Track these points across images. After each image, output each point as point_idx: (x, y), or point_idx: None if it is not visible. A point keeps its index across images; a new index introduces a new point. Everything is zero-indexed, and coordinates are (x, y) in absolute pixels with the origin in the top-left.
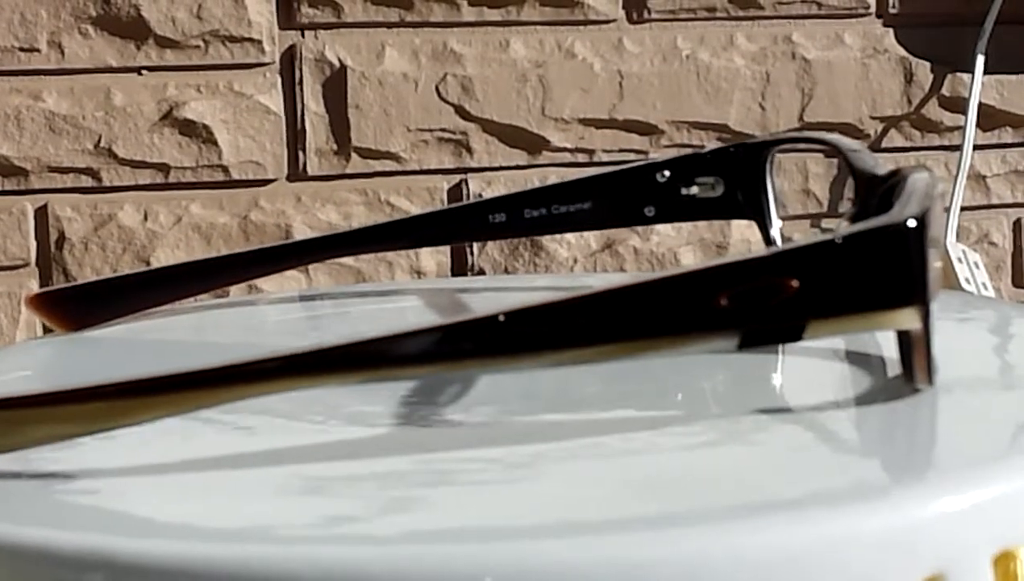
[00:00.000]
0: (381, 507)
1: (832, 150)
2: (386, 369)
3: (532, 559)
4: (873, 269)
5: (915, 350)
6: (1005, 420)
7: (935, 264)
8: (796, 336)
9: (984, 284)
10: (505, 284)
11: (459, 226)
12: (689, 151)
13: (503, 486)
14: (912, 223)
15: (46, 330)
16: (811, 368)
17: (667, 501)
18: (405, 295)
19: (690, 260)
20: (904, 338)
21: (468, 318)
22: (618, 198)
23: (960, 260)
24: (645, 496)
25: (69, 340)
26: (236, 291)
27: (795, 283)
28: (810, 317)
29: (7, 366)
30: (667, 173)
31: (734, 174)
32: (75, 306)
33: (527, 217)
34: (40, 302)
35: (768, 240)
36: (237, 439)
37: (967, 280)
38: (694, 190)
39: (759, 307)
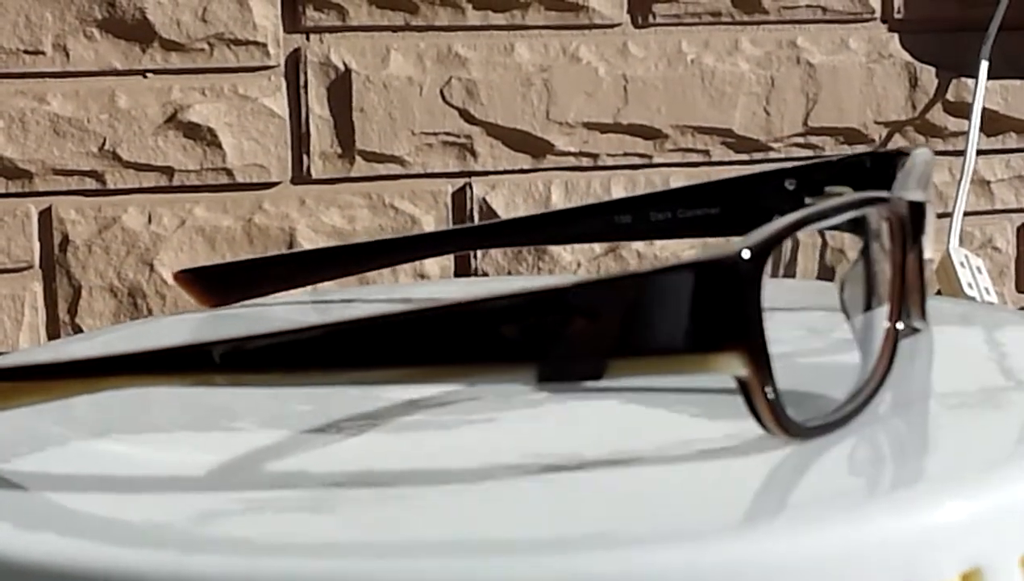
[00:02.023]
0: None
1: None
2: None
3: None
4: (685, 307)
5: (752, 397)
6: (1012, 423)
7: (764, 305)
8: (596, 375)
9: (987, 289)
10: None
11: (584, 226)
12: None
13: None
14: (738, 259)
15: (50, 336)
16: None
17: (665, 507)
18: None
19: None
20: (741, 383)
21: (240, 336)
22: (746, 204)
23: (963, 265)
24: (641, 502)
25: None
26: None
27: (592, 319)
28: (611, 356)
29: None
30: (794, 181)
31: (863, 184)
32: (217, 284)
33: (652, 220)
34: (185, 278)
35: None
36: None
37: (969, 285)
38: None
39: (556, 341)
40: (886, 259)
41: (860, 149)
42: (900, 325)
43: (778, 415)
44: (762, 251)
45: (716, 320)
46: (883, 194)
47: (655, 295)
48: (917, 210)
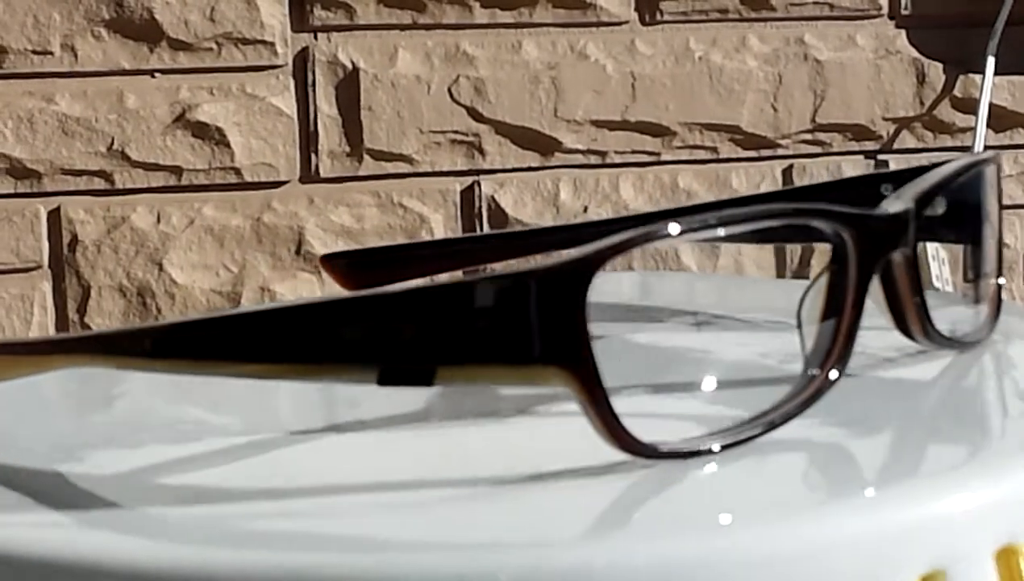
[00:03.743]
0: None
1: None
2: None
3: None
4: (508, 318)
5: (584, 412)
6: (992, 419)
7: (588, 321)
8: (428, 381)
9: (947, 280)
10: None
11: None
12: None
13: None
14: (559, 271)
15: (57, 334)
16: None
17: (656, 508)
18: None
19: (689, 259)
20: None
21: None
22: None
23: (933, 258)
24: (633, 503)
25: None
26: (251, 297)
27: (421, 325)
28: (441, 363)
29: None
30: (890, 186)
31: (957, 192)
32: (361, 268)
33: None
34: (329, 263)
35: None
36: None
37: (937, 277)
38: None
39: (390, 345)
40: (843, 287)
41: (867, 145)
42: (833, 374)
43: (615, 432)
44: (585, 265)
45: (537, 333)
46: (828, 207)
47: (480, 305)
48: (881, 225)
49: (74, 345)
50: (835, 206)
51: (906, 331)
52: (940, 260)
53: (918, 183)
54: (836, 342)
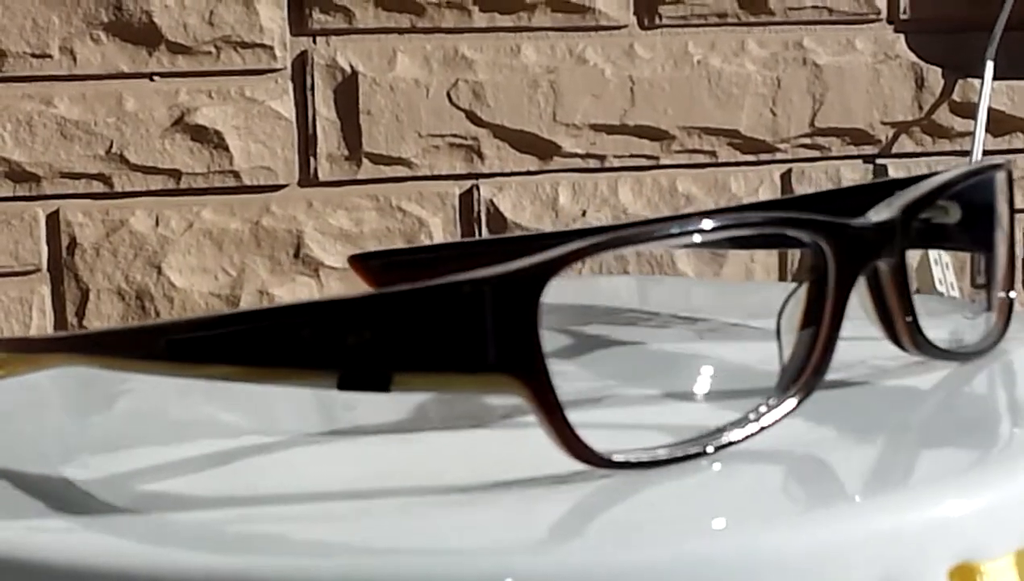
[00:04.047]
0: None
1: None
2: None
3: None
4: (459, 326)
5: (538, 421)
6: (966, 432)
7: (540, 331)
8: (384, 386)
9: (952, 284)
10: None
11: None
12: (705, 158)
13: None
14: (510, 280)
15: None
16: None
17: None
18: None
19: (685, 265)
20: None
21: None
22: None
23: (936, 262)
24: (624, 505)
25: None
26: (249, 300)
27: (376, 331)
28: (397, 369)
29: None
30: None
31: (970, 198)
32: (387, 269)
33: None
34: (356, 262)
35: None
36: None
37: (939, 281)
38: (929, 214)
39: (348, 350)
40: (822, 297)
41: (866, 150)
42: (793, 401)
43: (569, 441)
44: (537, 274)
45: (488, 341)
46: (802, 215)
47: (433, 312)
48: (862, 234)
49: (49, 344)
50: (812, 214)
51: (897, 342)
52: (943, 264)
53: (910, 191)
54: (813, 354)
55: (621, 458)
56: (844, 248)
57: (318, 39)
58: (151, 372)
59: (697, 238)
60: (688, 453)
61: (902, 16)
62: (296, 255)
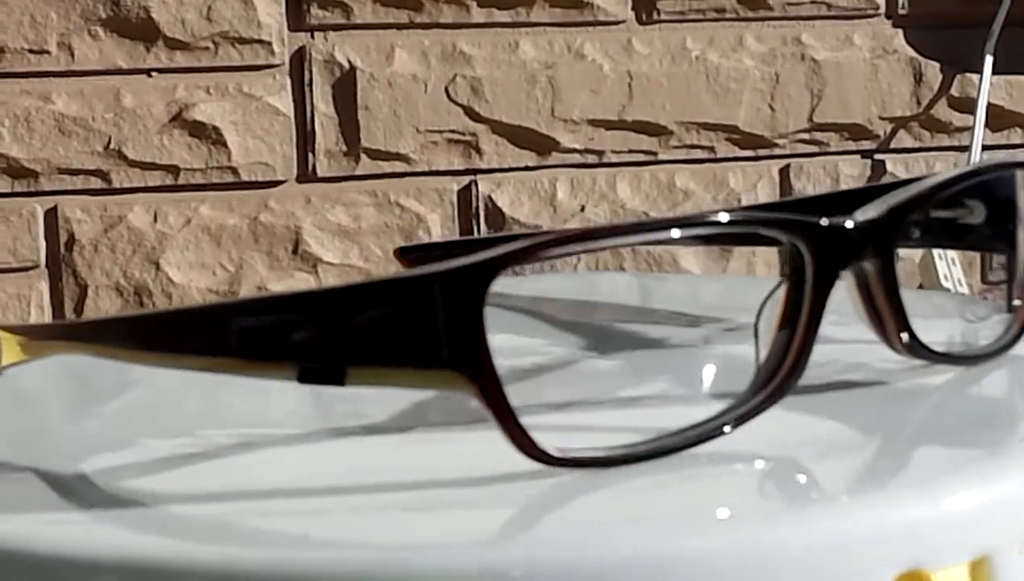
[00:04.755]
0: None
1: None
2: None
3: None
4: (407, 322)
5: (490, 418)
6: (966, 425)
7: (486, 329)
8: (339, 380)
9: (959, 281)
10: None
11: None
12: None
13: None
14: (454, 275)
15: None
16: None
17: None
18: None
19: (690, 262)
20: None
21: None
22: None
23: (940, 258)
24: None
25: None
26: (247, 292)
27: (329, 326)
28: (351, 363)
29: None
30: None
31: (993, 197)
32: (429, 262)
33: None
34: (402, 254)
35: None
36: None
37: (945, 277)
38: (950, 213)
39: (305, 344)
40: (799, 300)
41: (864, 145)
42: (780, 390)
43: (518, 438)
44: (483, 270)
45: (436, 337)
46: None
47: (382, 307)
48: (842, 235)
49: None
50: (788, 214)
51: (891, 346)
52: (949, 260)
53: (903, 191)
54: (787, 356)
55: (575, 456)
56: (822, 248)
57: (316, 34)
58: (123, 360)
59: (676, 234)
60: (645, 452)
61: (900, 11)
62: (294, 251)
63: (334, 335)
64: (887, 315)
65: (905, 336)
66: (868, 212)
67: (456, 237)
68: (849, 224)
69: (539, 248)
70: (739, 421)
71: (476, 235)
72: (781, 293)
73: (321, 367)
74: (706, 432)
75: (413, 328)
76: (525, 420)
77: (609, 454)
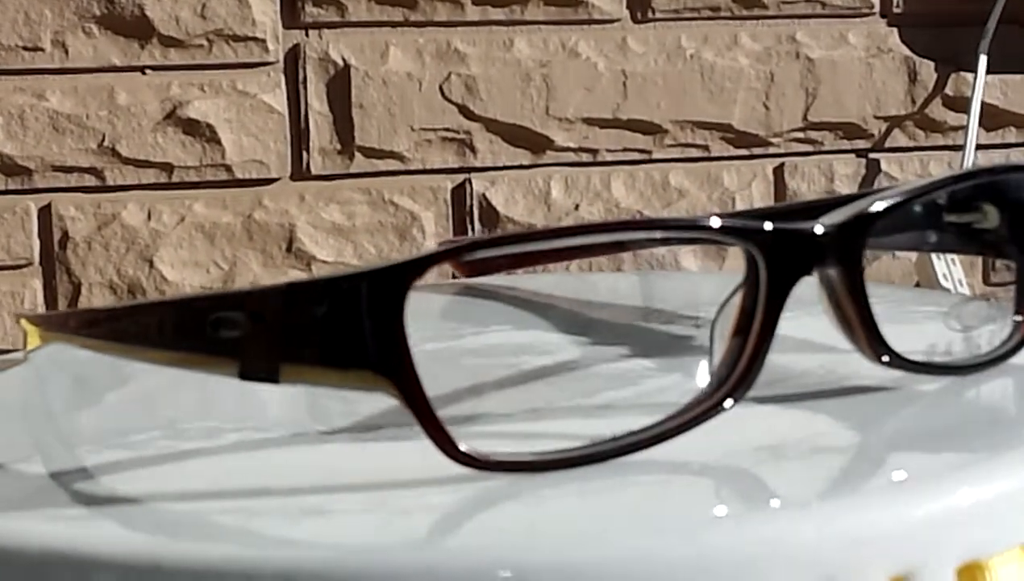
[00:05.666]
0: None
1: None
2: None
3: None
4: (331, 323)
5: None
6: (967, 421)
7: (406, 331)
8: (274, 378)
9: (960, 281)
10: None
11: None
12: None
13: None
14: (374, 277)
15: None
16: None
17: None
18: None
19: (690, 263)
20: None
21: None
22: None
23: (939, 257)
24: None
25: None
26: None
27: (263, 323)
28: (281, 361)
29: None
30: (944, 194)
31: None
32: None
33: None
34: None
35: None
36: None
37: (944, 276)
38: (961, 218)
39: (242, 341)
40: (753, 308)
41: (859, 144)
42: (728, 401)
43: (440, 442)
44: (403, 273)
45: (357, 339)
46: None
47: (308, 307)
48: (798, 242)
49: None
50: (744, 221)
51: (864, 354)
52: (948, 259)
53: (873, 196)
54: (739, 362)
55: (499, 460)
56: (777, 256)
57: (310, 32)
58: (89, 349)
59: (624, 237)
60: (576, 458)
61: (895, 10)
62: (288, 249)
63: (268, 334)
64: (856, 324)
65: (877, 345)
66: (832, 217)
67: (509, 233)
68: (805, 231)
69: (462, 251)
70: (679, 430)
71: (521, 230)
72: (736, 300)
73: (257, 365)
74: (644, 439)
75: (339, 329)
76: (468, 426)
77: (538, 459)
